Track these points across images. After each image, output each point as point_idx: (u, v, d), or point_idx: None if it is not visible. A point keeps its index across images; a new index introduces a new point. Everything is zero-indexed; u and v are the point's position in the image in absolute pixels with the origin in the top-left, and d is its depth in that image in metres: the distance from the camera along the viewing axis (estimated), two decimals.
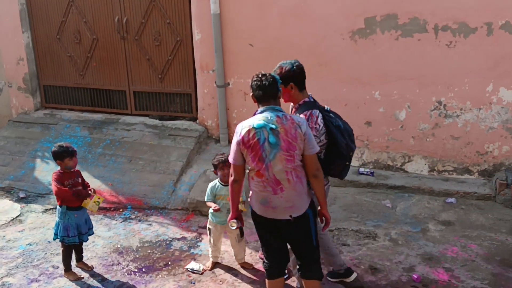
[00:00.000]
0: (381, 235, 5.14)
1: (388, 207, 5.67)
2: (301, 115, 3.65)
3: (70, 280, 4.52)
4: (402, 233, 5.17)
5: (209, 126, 7.11)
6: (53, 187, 4.39)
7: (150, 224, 5.58)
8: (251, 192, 3.65)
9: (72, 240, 4.49)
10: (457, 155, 6.10)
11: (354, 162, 6.41)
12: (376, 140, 6.35)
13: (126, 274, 4.64)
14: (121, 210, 5.87)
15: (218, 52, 6.65)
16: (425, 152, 6.20)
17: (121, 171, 6.50)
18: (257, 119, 3.46)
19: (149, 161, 6.63)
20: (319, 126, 3.65)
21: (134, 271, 4.68)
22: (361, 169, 6.28)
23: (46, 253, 4.98)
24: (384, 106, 6.20)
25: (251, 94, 3.63)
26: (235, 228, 3.86)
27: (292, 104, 3.95)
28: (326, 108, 3.84)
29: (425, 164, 6.23)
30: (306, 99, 3.81)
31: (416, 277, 4.42)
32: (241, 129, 3.48)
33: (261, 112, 3.49)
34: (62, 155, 4.41)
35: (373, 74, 6.14)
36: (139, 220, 5.67)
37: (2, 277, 4.63)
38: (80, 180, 4.54)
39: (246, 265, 4.69)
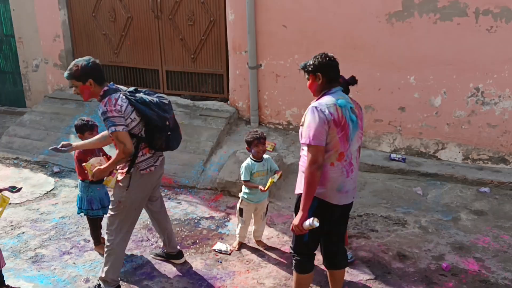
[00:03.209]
0: (410, 222, 5.07)
1: (419, 195, 5.57)
2: (101, 104, 3.65)
3: (101, 254, 4.63)
4: (433, 221, 5.08)
5: (240, 108, 7.11)
6: (75, 163, 4.49)
7: (179, 203, 5.64)
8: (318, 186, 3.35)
9: (96, 213, 4.59)
10: (493, 144, 5.94)
11: (386, 148, 6.33)
12: (409, 126, 6.22)
13: (154, 250, 4.72)
14: None
15: (251, 33, 6.60)
16: (460, 140, 6.06)
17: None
18: (336, 97, 3.34)
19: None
20: (120, 106, 3.63)
21: (162, 248, 4.75)
22: (393, 155, 6.19)
23: (78, 227, 5.11)
24: (419, 92, 6.06)
25: (317, 74, 3.40)
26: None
27: None
28: (130, 89, 3.84)
29: (459, 152, 6.08)
30: (106, 88, 3.74)
31: (445, 265, 4.35)
32: (326, 107, 3.26)
33: (335, 92, 3.40)
34: (82, 128, 4.51)
35: (408, 59, 6.00)
36: (169, 198, 5.74)
37: (35, 248, 4.78)
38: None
39: (260, 244, 4.73)
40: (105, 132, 4.13)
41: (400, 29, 5.94)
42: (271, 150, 6.34)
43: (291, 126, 6.84)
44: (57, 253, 4.69)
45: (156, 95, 3.94)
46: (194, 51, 7.29)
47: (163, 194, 5.78)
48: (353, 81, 4.26)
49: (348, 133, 3.34)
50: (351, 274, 4.29)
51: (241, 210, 4.64)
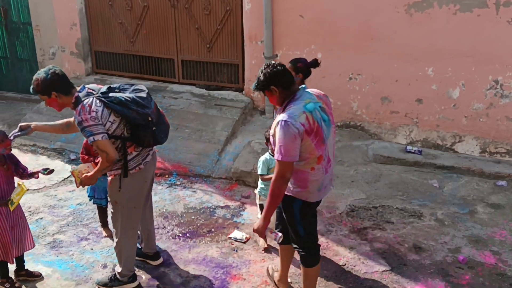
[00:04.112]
0: (426, 214, 5.05)
1: (435, 187, 5.54)
2: (75, 113, 3.49)
3: (107, 235, 4.74)
4: (449, 214, 5.06)
5: (255, 98, 7.10)
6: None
7: (194, 191, 5.67)
8: (299, 188, 3.41)
9: (99, 202, 4.67)
10: (511, 137, 5.87)
11: (402, 140, 6.30)
12: (426, 118, 6.18)
13: (171, 238, 4.76)
14: (167, 176, 5.98)
15: (268, 22, 6.57)
16: (477, 133, 6.00)
17: (168, 138, 6.59)
18: (304, 103, 3.29)
19: (195, 130, 6.70)
20: (96, 112, 3.44)
21: (178, 236, 4.79)
22: (409, 147, 6.15)
23: (95, 213, 5.15)
24: (437, 84, 6.01)
25: (271, 88, 3.31)
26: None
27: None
28: (102, 90, 3.61)
29: (477, 145, 6.03)
30: (76, 95, 3.57)
31: (461, 258, 4.33)
32: (296, 119, 3.19)
33: (300, 96, 3.33)
34: None
35: (427, 50, 5.94)
36: (184, 187, 5.77)
37: (53, 234, 4.84)
38: None
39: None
40: (71, 119, 3.93)
41: (419, 20, 5.88)
42: None
43: None
44: (75, 238, 4.75)
45: (132, 88, 3.73)
46: (210, 41, 7.28)
47: (178, 183, 5.84)
48: (315, 64, 4.30)
49: (323, 136, 3.33)
50: (366, 265, 4.29)
51: (261, 206, 4.62)
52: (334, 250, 4.52)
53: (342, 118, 6.61)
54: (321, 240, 4.65)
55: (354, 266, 4.29)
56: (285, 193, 3.40)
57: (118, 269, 4.01)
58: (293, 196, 3.45)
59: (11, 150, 3.96)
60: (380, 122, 6.44)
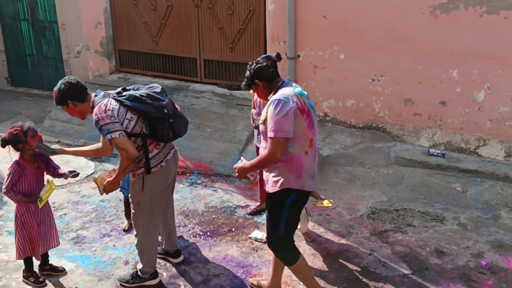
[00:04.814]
0: (449, 218, 4.99)
1: (458, 191, 5.48)
2: (92, 115, 3.60)
3: (126, 227, 4.84)
4: (472, 218, 4.99)
5: None
6: None
7: (215, 190, 5.70)
8: (291, 175, 3.42)
9: (124, 192, 4.74)
10: None
11: (424, 142, 6.24)
12: (450, 121, 6.11)
13: (191, 236, 4.80)
14: (188, 174, 6.02)
15: (291, 23, 6.57)
16: (502, 137, 5.91)
17: (189, 137, 6.63)
18: (293, 88, 3.46)
19: (216, 129, 6.73)
20: (112, 110, 3.52)
21: (199, 234, 4.83)
22: (432, 150, 6.09)
23: (117, 210, 5.22)
24: (462, 86, 5.94)
25: (256, 82, 3.55)
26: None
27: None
28: (117, 91, 3.73)
29: (501, 149, 5.94)
30: (93, 99, 3.69)
31: (484, 263, 4.27)
32: (289, 98, 3.33)
33: (288, 83, 3.52)
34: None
35: (452, 52, 5.88)
36: (205, 186, 5.81)
37: (77, 229, 4.92)
38: None
39: (307, 237, 4.70)
40: (98, 144, 4.05)
41: (444, 22, 5.81)
42: None
43: (327, 118, 6.81)
44: (97, 235, 4.82)
45: (147, 86, 3.81)
46: (232, 40, 7.31)
47: (199, 182, 5.88)
48: (279, 57, 4.46)
49: (313, 119, 3.45)
50: (387, 268, 4.26)
51: None
52: (354, 252, 4.51)
53: (364, 119, 6.57)
54: (342, 241, 4.64)
55: (375, 269, 4.27)
56: (281, 187, 3.43)
57: (140, 266, 4.06)
58: (289, 189, 3.44)
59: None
60: (402, 124, 6.39)
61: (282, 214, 3.51)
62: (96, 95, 3.72)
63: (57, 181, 5.63)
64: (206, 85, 7.68)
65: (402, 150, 6.18)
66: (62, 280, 4.19)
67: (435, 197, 5.38)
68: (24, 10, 8.68)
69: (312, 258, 4.43)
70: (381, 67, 6.29)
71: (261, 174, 4.83)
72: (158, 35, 7.83)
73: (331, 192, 5.47)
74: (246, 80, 3.61)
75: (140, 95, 3.63)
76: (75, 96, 3.69)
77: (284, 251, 3.65)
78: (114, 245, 4.65)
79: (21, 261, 4.16)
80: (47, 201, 4.04)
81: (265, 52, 7.05)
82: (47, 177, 4.12)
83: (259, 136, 4.84)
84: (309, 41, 6.63)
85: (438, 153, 6.02)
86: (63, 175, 4.19)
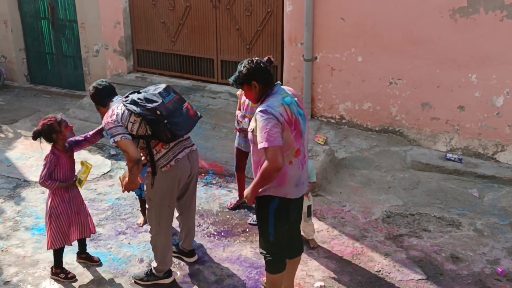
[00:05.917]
0: (465, 224, 4.94)
1: (475, 197, 5.42)
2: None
3: (141, 222, 4.92)
4: (489, 224, 4.94)
5: None
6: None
7: (230, 191, 5.71)
8: (274, 183, 3.37)
9: (138, 192, 4.79)
10: None
11: (441, 147, 6.18)
12: (468, 126, 6.05)
13: (206, 236, 4.82)
14: (203, 174, 6.05)
15: (309, 25, 6.57)
16: None
17: (205, 137, 6.68)
18: (281, 97, 3.34)
19: (232, 130, 6.74)
20: (116, 115, 3.69)
21: (213, 234, 4.85)
22: (449, 155, 6.03)
23: (133, 208, 5.27)
24: (481, 91, 5.88)
25: (252, 83, 3.36)
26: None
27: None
28: (125, 95, 3.88)
29: None
30: (110, 103, 3.92)
31: (500, 270, 4.22)
32: (275, 109, 3.24)
33: (276, 91, 3.38)
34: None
35: (471, 56, 5.82)
36: (220, 186, 5.83)
37: None
38: None
39: (312, 243, 4.63)
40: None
41: (464, 26, 5.76)
42: (322, 143, 6.32)
43: (343, 120, 6.78)
44: (113, 232, 4.87)
45: (153, 87, 3.89)
46: (249, 42, 7.33)
47: (214, 182, 5.90)
48: (270, 62, 4.36)
49: (301, 129, 3.38)
50: (402, 273, 4.24)
51: (309, 206, 4.59)
52: (368, 256, 4.49)
53: (381, 123, 6.54)
54: (356, 245, 4.62)
55: (389, 273, 4.25)
56: (263, 193, 3.42)
57: (154, 264, 4.09)
58: (272, 196, 3.42)
59: (74, 134, 4.16)
60: (419, 128, 6.34)
61: (269, 218, 3.50)
62: (112, 100, 3.91)
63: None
64: (223, 85, 7.71)
65: (418, 154, 6.14)
66: (78, 276, 4.22)
67: (451, 202, 5.33)
68: (44, 9, 8.81)
69: (326, 260, 4.42)
70: (399, 70, 6.25)
71: (242, 175, 5.13)
72: (176, 35, 7.88)
73: (346, 195, 5.45)
74: (240, 77, 3.41)
75: (138, 98, 3.74)
76: (98, 101, 4.01)
77: (272, 258, 3.61)
78: (129, 243, 4.69)
79: (38, 257, 4.22)
80: (79, 191, 4.14)
81: (282, 54, 7.06)
82: (78, 161, 4.19)
83: (241, 139, 5.03)
84: (327, 43, 6.61)
85: (455, 158, 5.97)
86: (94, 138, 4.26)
